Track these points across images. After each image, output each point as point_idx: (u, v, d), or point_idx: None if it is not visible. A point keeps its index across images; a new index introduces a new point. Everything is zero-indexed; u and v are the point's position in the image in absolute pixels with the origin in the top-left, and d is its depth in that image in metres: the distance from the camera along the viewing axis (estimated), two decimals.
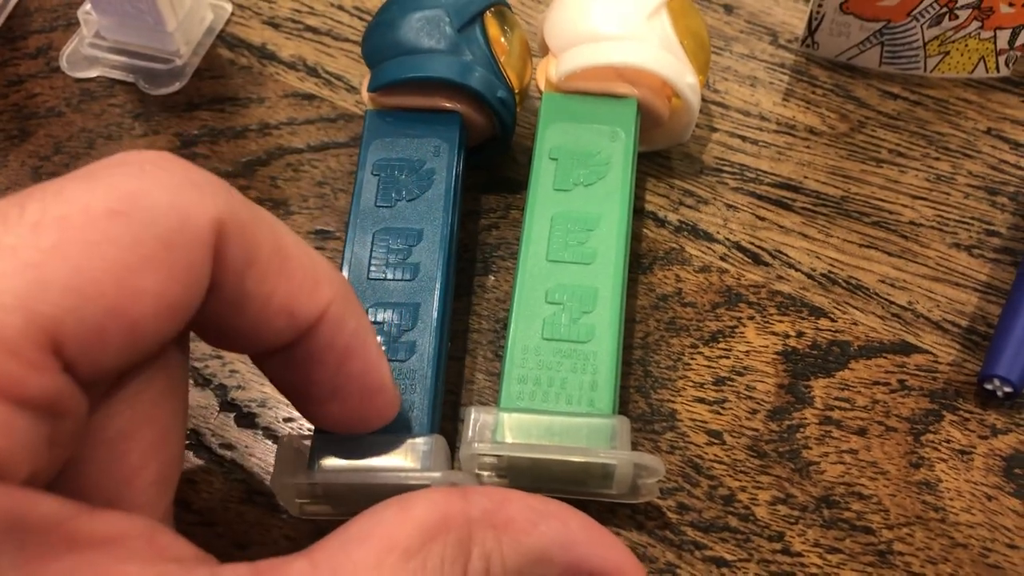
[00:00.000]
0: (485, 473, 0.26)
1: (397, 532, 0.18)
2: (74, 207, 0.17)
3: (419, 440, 0.25)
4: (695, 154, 0.34)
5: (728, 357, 0.30)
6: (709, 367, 0.30)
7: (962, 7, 0.34)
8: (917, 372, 0.30)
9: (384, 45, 0.30)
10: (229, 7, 0.38)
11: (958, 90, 0.36)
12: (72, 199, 0.18)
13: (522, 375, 0.26)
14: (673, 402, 0.29)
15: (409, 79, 0.30)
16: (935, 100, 0.36)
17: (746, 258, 0.32)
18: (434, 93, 0.30)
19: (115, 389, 0.19)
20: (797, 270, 0.32)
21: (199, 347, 0.30)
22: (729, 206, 0.33)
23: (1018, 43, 0.35)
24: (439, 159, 0.30)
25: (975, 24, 0.34)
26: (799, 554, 0.27)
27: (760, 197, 0.33)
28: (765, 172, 0.34)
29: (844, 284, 0.32)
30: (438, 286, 0.27)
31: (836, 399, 0.29)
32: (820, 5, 0.35)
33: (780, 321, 0.31)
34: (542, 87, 0.32)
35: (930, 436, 0.29)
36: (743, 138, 0.35)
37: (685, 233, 0.33)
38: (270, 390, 0.29)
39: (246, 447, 0.29)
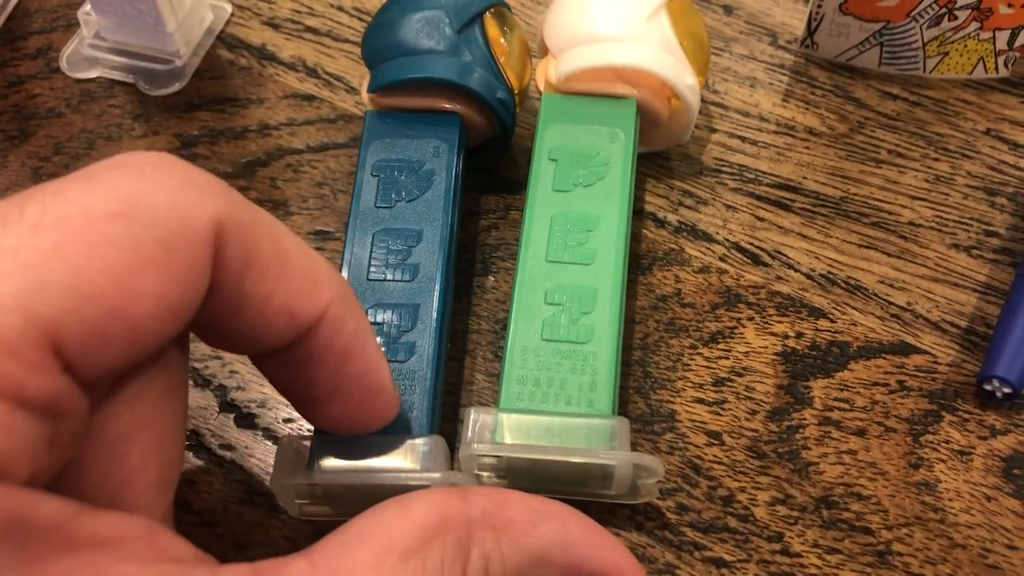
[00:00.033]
0: (484, 474, 0.26)
1: (397, 533, 0.18)
2: (74, 208, 0.17)
3: (418, 441, 0.25)
4: (694, 155, 0.35)
5: (727, 358, 0.30)
6: (708, 368, 0.30)
7: (961, 8, 0.34)
8: (916, 373, 0.30)
9: (384, 46, 0.30)
10: (229, 8, 0.38)
11: (957, 91, 0.36)
12: (72, 200, 0.18)
13: (521, 376, 0.26)
14: (672, 403, 0.29)
15: (409, 80, 0.30)
16: (934, 101, 0.36)
17: (745, 259, 0.32)
18: (434, 94, 0.30)
19: (115, 390, 0.19)
20: (796, 271, 0.32)
21: (199, 348, 0.30)
22: (728, 207, 0.33)
23: (1017, 44, 0.35)
24: (439, 160, 0.30)
25: (974, 25, 0.34)
26: (798, 555, 0.27)
27: (759, 198, 0.34)
28: (764, 173, 0.34)
29: (843, 285, 0.32)
30: (437, 287, 0.27)
31: (835, 400, 0.29)
32: (819, 6, 0.35)
33: (779, 322, 0.31)
34: (541, 88, 0.32)
35: (929, 437, 0.29)
36: (742, 139, 0.35)
37: (684, 234, 0.33)
38: (270, 391, 0.29)
39: (246, 448, 0.29)
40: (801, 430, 0.29)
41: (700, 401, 0.29)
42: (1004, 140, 0.35)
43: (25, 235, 0.17)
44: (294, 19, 0.38)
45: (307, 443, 0.25)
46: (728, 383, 0.30)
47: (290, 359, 0.22)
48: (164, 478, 0.20)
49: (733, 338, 0.30)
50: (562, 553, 0.20)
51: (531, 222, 0.29)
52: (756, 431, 0.29)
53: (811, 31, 0.36)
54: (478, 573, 0.19)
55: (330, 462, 0.25)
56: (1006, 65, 0.36)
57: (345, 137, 0.35)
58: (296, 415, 0.29)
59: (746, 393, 0.29)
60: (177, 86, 0.36)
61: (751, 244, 0.32)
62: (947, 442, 0.29)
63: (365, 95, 0.31)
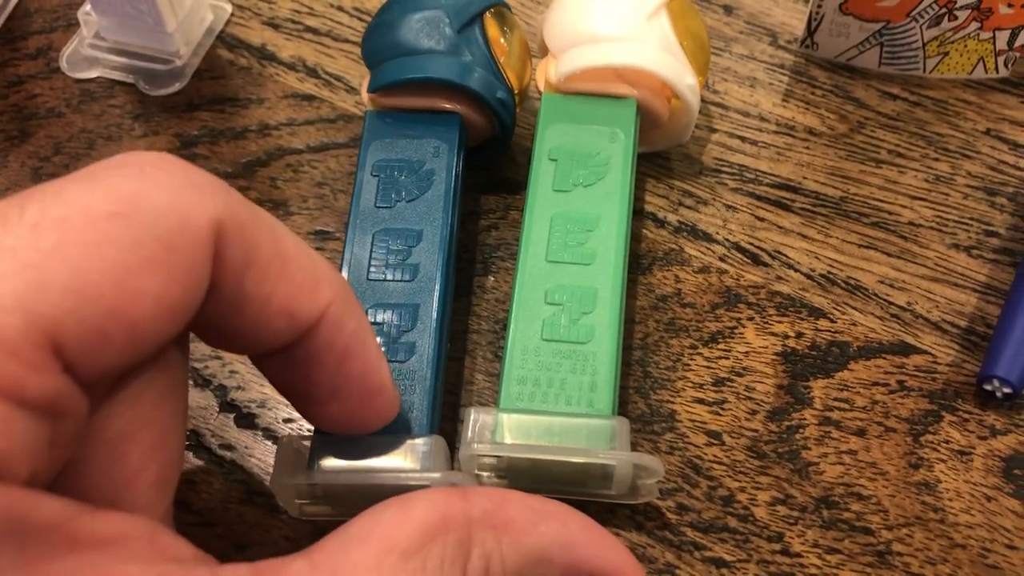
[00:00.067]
0: (485, 474, 0.26)
1: (397, 532, 0.18)
2: (74, 208, 0.17)
3: (419, 441, 0.25)
4: (694, 155, 0.35)
5: (727, 358, 0.30)
6: (708, 368, 0.30)
7: (961, 8, 0.34)
8: (916, 373, 0.30)
9: (384, 46, 0.30)
10: (229, 8, 0.38)
11: (957, 91, 0.36)
12: (72, 200, 0.18)
13: (521, 376, 0.26)
14: (672, 403, 0.29)
15: (409, 80, 0.30)
16: (934, 101, 0.36)
17: (745, 259, 0.32)
18: (434, 94, 0.30)
19: (115, 390, 0.19)
20: (796, 271, 0.32)
21: (199, 348, 0.30)
22: (728, 207, 0.33)
23: (1017, 44, 0.35)
24: (439, 160, 0.30)
25: (974, 25, 0.34)
26: (798, 555, 0.27)
27: (759, 198, 0.34)
28: (764, 173, 0.34)
29: (843, 285, 0.32)
30: (437, 287, 0.27)
31: (835, 400, 0.29)
32: (819, 6, 0.35)
33: (779, 322, 0.31)
34: (541, 88, 0.32)
35: (929, 437, 0.29)
36: (742, 139, 0.35)
37: (684, 234, 0.33)
38: (270, 391, 0.29)
39: (246, 448, 0.29)
40: (801, 430, 0.29)
41: (700, 401, 0.29)
42: (1004, 140, 0.35)
43: (25, 235, 0.17)
44: (294, 19, 0.38)
45: (307, 443, 0.25)
46: (728, 383, 0.30)
47: (290, 359, 0.22)
48: (164, 478, 0.20)
49: (733, 338, 0.30)
50: (562, 553, 0.20)
51: (531, 222, 0.29)
52: (756, 431, 0.29)
53: (811, 31, 0.36)
54: (478, 573, 0.19)
55: (330, 462, 0.25)
56: (1006, 65, 0.36)
57: (345, 137, 0.35)
58: (296, 415, 0.29)
59: (746, 393, 0.29)
60: (177, 86, 0.36)
61: (751, 244, 0.32)
62: (947, 442, 0.29)
63: (365, 95, 0.31)
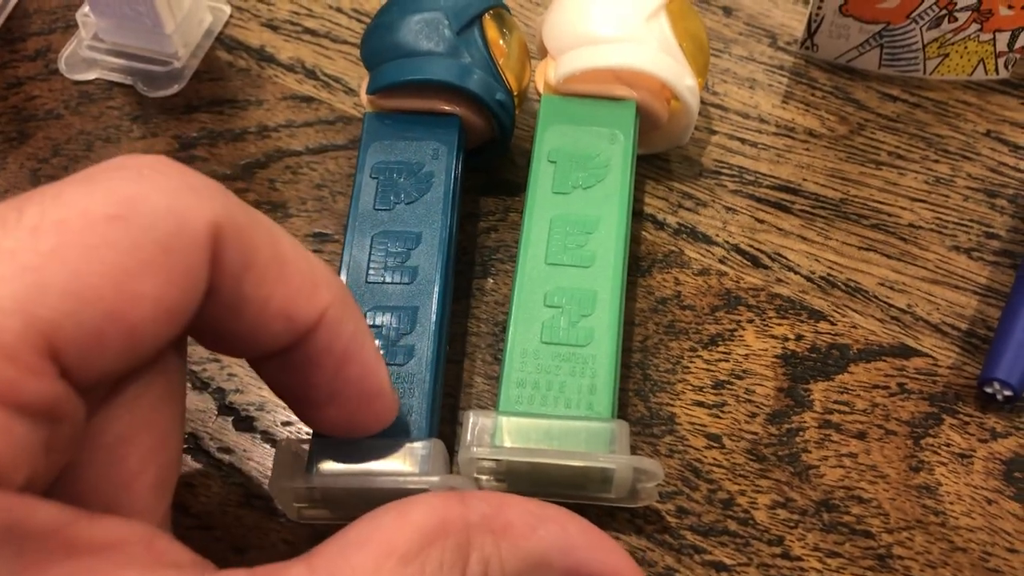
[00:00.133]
0: (484, 477, 0.26)
1: (395, 537, 0.18)
2: (73, 211, 0.17)
3: (417, 444, 0.25)
4: (694, 156, 0.34)
5: (727, 360, 0.30)
6: (708, 370, 0.30)
7: (961, 9, 0.34)
8: (917, 375, 0.30)
9: (383, 47, 0.30)
10: (228, 9, 0.38)
11: (957, 92, 0.36)
12: (71, 203, 0.18)
13: (521, 379, 0.26)
14: (672, 406, 0.29)
15: (408, 82, 0.30)
16: (934, 102, 0.36)
17: (745, 261, 0.32)
18: (433, 96, 0.30)
19: (113, 394, 0.19)
20: (796, 273, 0.32)
21: (197, 351, 0.30)
22: (728, 209, 0.33)
23: (1017, 45, 0.35)
24: (438, 162, 0.30)
25: (974, 26, 0.34)
26: (799, 558, 0.27)
27: (759, 200, 0.33)
28: (764, 174, 0.34)
29: (843, 287, 0.32)
30: (437, 289, 0.27)
31: (835, 402, 0.29)
32: (819, 7, 0.35)
33: (779, 324, 0.31)
34: (541, 89, 0.32)
35: (930, 440, 0.29)
36: (742, 140, 0.35)
37: (684, 236, 0.33)
38: (268, 394, 0.29)
39: (244, 451, 0.29)
40: (801, 433, 0.29)
41: (700, 404, 0.29)
42: (1004, 142, 0.35)
43: (24, 238, 0.17)
44: (293, 21, 0.38)
45: (306, 446, 0.25)
46: (728, 386, 0.30)
47: (288, 362, 0.21)
48: (162, 481, 0.20)
49: (733, 341, 0.30)
50: (561, 557, 0.20)
51: (530, 224, 0.29)
52: (756, 434, 0.29)
53: (811, 32, 0.36)
54: None
55: (329, 465, 0.24)
56: (1006, 67, 0.36)
57: (344, 139, 0.35)
58: (295, 418, 0.29)
59: (746, 396, 0.29)
60: (176, 88, 0.36)
61: (751, 246, 0.32)
62: (948, 445, 0.29)
63: (364, 97, 0.31)
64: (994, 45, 0.35)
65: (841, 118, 0.35)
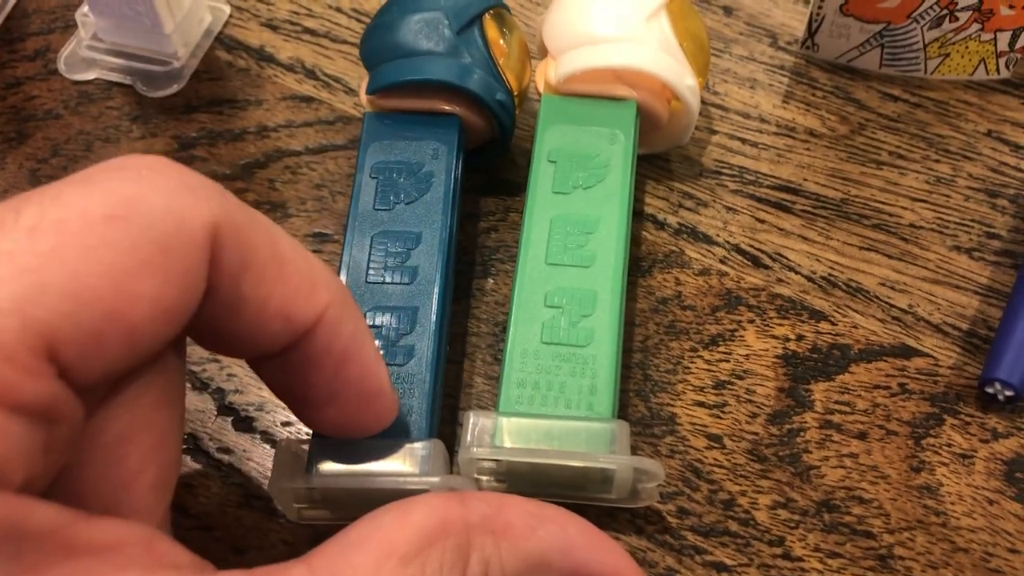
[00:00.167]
0: (484, 478, 0.26)
1: (396, 537, 0.18)
2: (71, 211, 0.17)
3: (417, 445, 0.25)
4: (694, 156, 0.34)
5: (728, 361, 0.30)
6: (709, 371, 0.30)
7: (962, 9, 0.34)
8: (918, 376, 0.30)
9: (383, 47, 0.30)
10: (227, 9, 0.38)
11: (958, 92, 0.36)
12: (69, 204, 0.17)
13: (521, 379, 0.26)
14: (673, 406, 0.29)
15: (408, 81, 0.30)
16: (935, 102, 0.36)
17: (746, 261, 0.32)
18: (433, 96, 0.30)
19: (112, 394, 0.19)
20: (797, 273, 0.32)
21: (196, 351, 0.30)
22: (729, 209, 0.33)
23: (1018, 45, 0.35)
24: (438, 162, 0.30)
25: (975, 26, 0.34)
26: (799, 559, 0.27)
27: (760, 200, 0.33)
28: (765, 174, 0.34)
29: (844, 287, 0.32)
30: (437, 289, 0.27)
31: (836, 403, 0.29)
32: (820, 7, 0.35)
33: (780, 324, 0.31)
34: (541, 89, 0.32)
35: (931, 440, 0.29)
36: (743, 140, 0.35)
37: (685, 236, 0.33)
38: (268, 394, 0.29)
39: (244, 451, 0.29)
40: (802, 433, 0.29)
41: (700, 404, 0.29)
42: (1005, 142, 0.35)
43: (22, 239, 0.17)
44: (292, 20, 0.38)
45: (305, 447, 0.25)
46: (729, 386, 0.30)
47: (287, 363, 0.21)
48: (162, 481, 0.20)
49: (734, 341, 0.30)
50: (561, 557, 0.20)
51: (531, 224, 0.29)
52: (757, 434, 0.29)
53: (811, 32, 0.36)
54: None
55: (329, 466, 0.24)
56: (1007, 66, 0.36)
57: (344, 139, 0.35)
58: (294, 418, 0.29)
59: (747, 396, 0.29)
60: (175, 88, 0.36)
61: (751, 246, 0.32)
62: (949, 445, 0.29)
63: (364, 97, 0.31)
64: (995, 45, 0.35)
65: (842, 118, 0.35)
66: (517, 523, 0.20)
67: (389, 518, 0.19)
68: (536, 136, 0.30)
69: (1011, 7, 0.33)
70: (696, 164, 0.34)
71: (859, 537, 0.27)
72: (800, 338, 0.30)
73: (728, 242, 0.32)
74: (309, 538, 0.27)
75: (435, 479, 0.24)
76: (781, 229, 0.33)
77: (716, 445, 0.29)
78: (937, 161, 0.34)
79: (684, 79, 0.31)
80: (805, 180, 0.34)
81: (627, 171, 0.30)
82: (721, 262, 0.32)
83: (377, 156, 0.30)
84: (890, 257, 0.32)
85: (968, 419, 0.29)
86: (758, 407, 0.29)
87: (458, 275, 0.31)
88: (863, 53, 0.36)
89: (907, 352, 0.30)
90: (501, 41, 0.31)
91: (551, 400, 0.26)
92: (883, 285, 0.32)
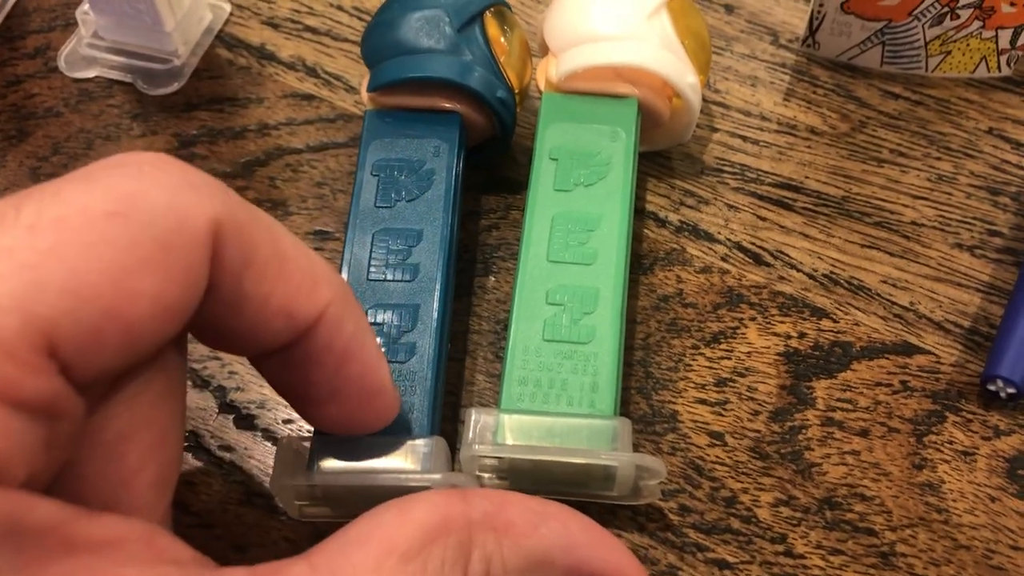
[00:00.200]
0: (485, 475, 0.26)
1: (397, 534, 0.18)
2: (71, 208, 0.17)
3: (419, 442, 0.25)
4: (696, 154, 0.34)
5: (729, 358, 0.30)
6: (710, 368, 0.30)
7: (963, 7, 0.34)
8: (919, 373, 0.30)
9: (383, 45, 0.30)
10: (228, 7, 0.38)
11: (959, 90, 0.36)
12: (70, 200, 0.17)
13: (523, 376, 0.26)
14: (674, 403, 0.29)
15: (408, 79, 0.30)
16: (936, 100, 0.36)
17: (747, 259, 0.32)
18: (434, 93, 0.30)
19: (113, 391, 0.19)
20: (798, 271, 0.32)
21: (198, 349, 0.30)
22: (730, 206, 0.33)
23: (1020, 43, 0.35)
24: (439, 159, 0.30)
25: (976, 24, 0.34)
26: (801, 556, 0.27)
27: (761, 197, 0.33)
28: (766, 172, 0.34)
29: (846, 285, 0.31)
30: (438, 287, 0.27)
31: (838, 400, 0.29)
32: (821, 5, 0.35)
33: (782, 322, 0.31)
34: (542, 87, 0.32)
35: (933, 437, 0.29)
36: (744, 138, 0.35)
37: (686, 233, 0.32)
38: (269, 392, 0.29)
39: (245, 449, 0.29)
40: (804, 431, 0.29)
41: (702, 402, 0.29)
42: (1007, 139, 0.35)
43: (22, 235, 0.17)
44: (293, 18, 0.38)
45: (307, 444, 0.25)
46: (730, 383, 0.30)
47: (289, 360, 0.21)
48: (163, 478, 0.20)
49: (735, 338, 0.30)
50: (563, 555, 0.20)
51: (532, 222, 0.29)
52: (759, 432, 0.29)
53: (812, 30, 0.36)
54: (479, 575, 0.19)
55: (330, 463, 0.24)
56: (1008, 64, 0.36)
57: (345, 137, 0.35)
58: (296, 416, 0.29)
59: (748, 394, 0.29)
60: (176, 86, 0.36)
61: (753, 244, 0.32)
62: (951, 443, 0.29)
63: (365, 94, 0.31)
64: (996, 42, 0.35)
65: (843, 116, 0.35)
66: (519, 520, 0.20)
67: (390, 515, 0.19)
68: (537, 134, 0.30)
69: (1012, 4, 0.33)
70: (697, 162, 0.34)
71: (861, 534, 0.27)
72: (802, 335, 0.30)
73: (729, 240, 0.32)
74: (310, 535, 0.27)
75: (437, 476, 0.24)
76: (782, 227, 0.33)
77: (718, 442, 0.29)
78: (938, 159, 0.34)
79: (685, 77, 0.31)
80: (806, 178, 0.34)
81: (628, 169, 0.29)
82: (722, 260, 0.32)
83: (378, 154, 0.30)
84: (892, 255, 0.32)
85: (970, 416, 0.29)
86: (760, 404, 0.29)
87: (459, 273, 0.31)
88: (864, 51, 0.36)
89: (909, 349, 0.30)
90: (502, 39, 0.31)
91: (553, 397, 0.26)
92: (885, 282, 0.32)
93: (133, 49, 0.36)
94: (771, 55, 0.37)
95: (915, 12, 0.34)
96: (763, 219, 0.33)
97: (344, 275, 0.28)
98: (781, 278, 0.32)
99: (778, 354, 0.30)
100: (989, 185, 0.34)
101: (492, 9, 0.31)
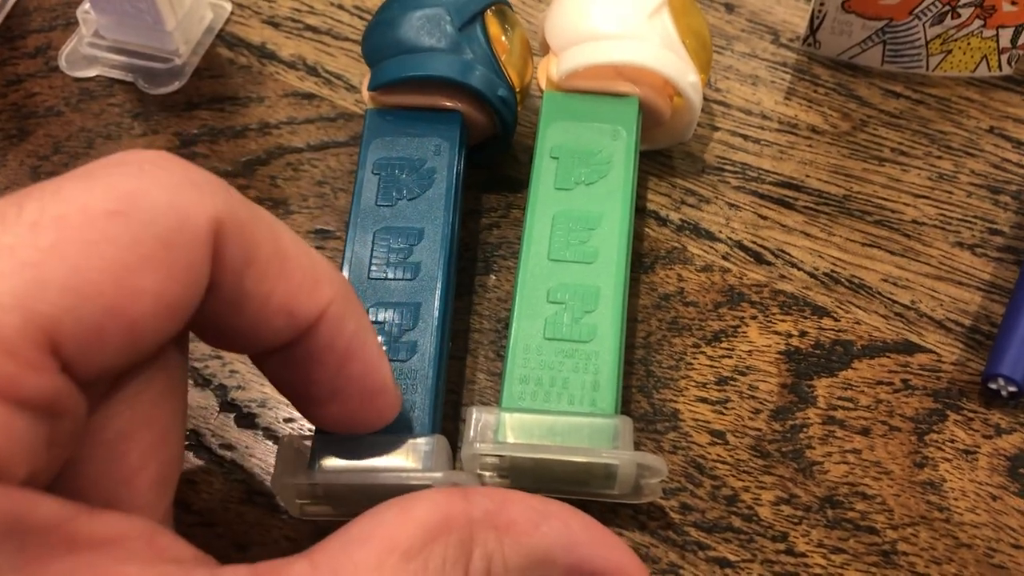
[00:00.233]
0: (487, 473, 0.26)
1: (398, 533, 0.18)
2: (72, 206, 0.17)
3: (420, 440, 0.25)
4: (697, 153, 0.34)
5: (731, 357, 0.30)
6: (712, 367, 0.30)
7: (964, 5, 0.33)
8: (921, 371, 0.30)
9: (384, 44, 0.30)
10: (229, 6, 0.38)
11: (960, 89, 0.36)
12: (71, 198, 0.17)
13: (524, 375, 0.26)
14: (675, 402, 0.29)
15: (409, 78, 0.30)
16: (937, 99, 0.36)
17: (748, 257, 0.32)
18: (435, 92, 0.30)
19: (114, 390, 0.19)
20: (800, 269, 0.32)
21: (199, 347, 0.30)
22: (731, 205, 0.33)
23: (1020, 41, 0.35)
24: (440, 158, 0.30)
25: (977, 22, 0.34)
26: (803, 554, 0.27)
27: (762, 196, 0.33)
28: (767, 171, 0.34)
29: (847, 283, 0.31)
30: (439, 285, 0.27)
31: (839, 399, 0.29)
32: (822, 4, 0.35)
33: (783, 320, 0.31)
34: (543, 86, 0.32)
35: (934, 436, 0.29)
36: (745, 137, 0.35)
37: (687, 232, 0.32)
38: (270, 390, 0.29)
39: (246, 447, 0.29)
40: (805, 429, 0.29)
41: (703, 400, 0.29)
42: (1007, 138, 0.35)
43: (23, 234, 0.17)
44: (294, 17, 0.38)
45: (308, 443, 0.25)
46: (731, 382, 0.29)
47: (290, 358, 0.21)
48: (164, 477, 0.20)
49: (736, 337, 0.30)
50: (565, 553, 0.20)
51: (533, 220, 0.29)
52: (760, 430, 0.29)
53: (813, 29, 0.36)
54: (480, 574, 0.19)
55: (331, 462, 0.24)
56: (1009, 63, 0.36)
57: (345, 135, 0.35)
58: (297, 415, 0.29)
59: (749, 392, 0.29)
60: (177, 85, 0.36)
61: (754, 243, 0.32)
62: (952, 441, 0.29)
63: (365, 93, 0.31)
64: (997, 41, 0.35)
65: (844, 115, 0.35)
66: (520, 519, 0.20)
67: (391, 514, 0.19)
68: (538, 132, 0.30)
69: (1013, 3, 0.33)
70: (698, 160, 0.34)
71: (862, 533, 0.27)
72: (803, 334, 0.30)
73: (730, 238, 0.32)
74: (311, 534, 0.27)
75: (438, 475, 0.24)
76: (783, 225, 0.33)
77: (719, 441, 0.29)
78: (939, 158, 0.34)
79: (686, 76, 0.31)
80: (807, 176, 0.34)
81: (629, 167, 0.29)
82: (723, 258, 0.32)
83: (379, 152, 0.30)
84: (893, 253, 0.32)
85: (971, 415, 0.29)
86: (761, 403, 0.29)
87: (460, 271, 0.31)
88: (865, 50, 0.36)
89: (910, 348, 0.30)
90: (503, 37, 0.31)
91: (554, 396, 0.26)
92: (886, 281, 0.32)
93: (134, 48, 0.36)
94: (772, 54, 0.37)
95: (916, 11, 0.34)
96: (764, 218, 0.33)
97: (345, 274, 0.28)
98: (782, 277, 0.32)
99: (779, 353, 0.30)
100: (990, 184, 0.34)
101: (493, 8, 0.31)
